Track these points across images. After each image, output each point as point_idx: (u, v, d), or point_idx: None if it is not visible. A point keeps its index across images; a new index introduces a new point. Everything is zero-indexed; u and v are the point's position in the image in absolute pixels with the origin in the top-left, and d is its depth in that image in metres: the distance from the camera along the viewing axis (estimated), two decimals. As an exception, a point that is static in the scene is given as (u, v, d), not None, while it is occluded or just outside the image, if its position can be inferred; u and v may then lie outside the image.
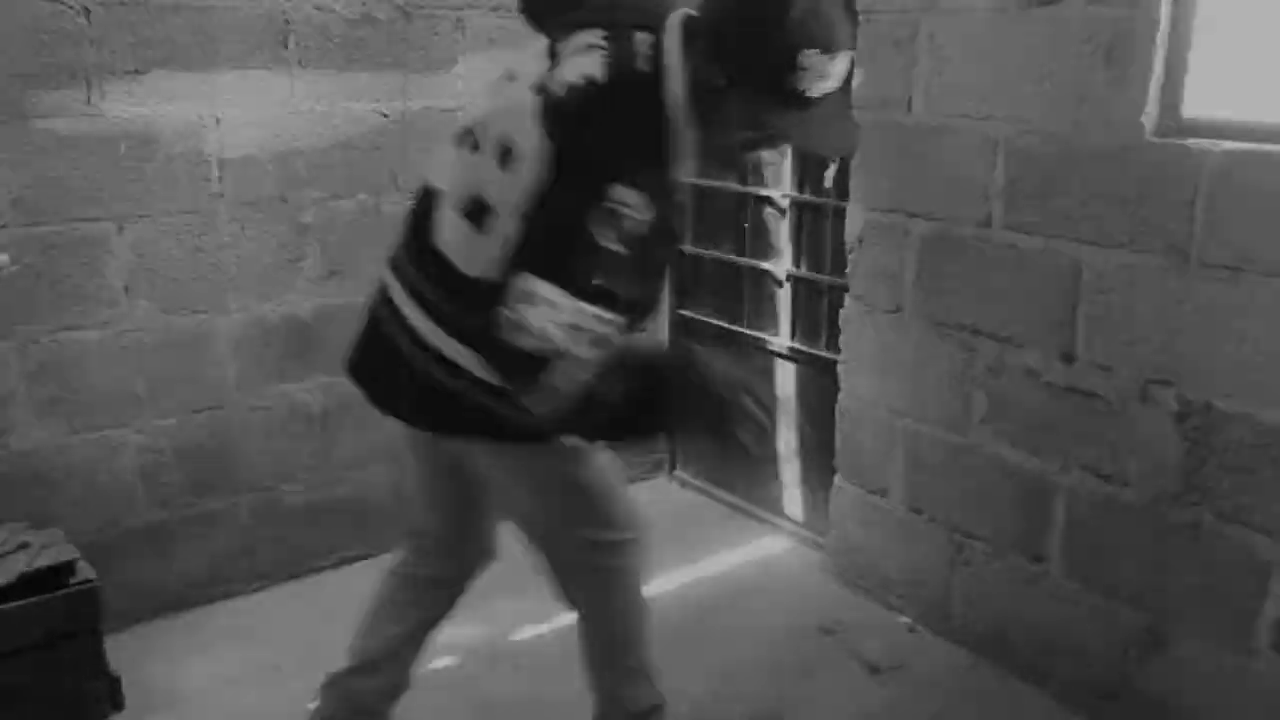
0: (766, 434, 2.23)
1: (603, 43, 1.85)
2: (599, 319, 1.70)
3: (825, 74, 1.76)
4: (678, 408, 2.04)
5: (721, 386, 2.02)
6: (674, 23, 1.86)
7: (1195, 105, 2.42)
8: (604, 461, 2.11)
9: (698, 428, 2.33)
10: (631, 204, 1.70)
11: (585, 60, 1.83)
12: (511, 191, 1.80)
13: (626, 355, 1.77)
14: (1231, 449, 2.36)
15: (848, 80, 1.84)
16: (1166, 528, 2.50)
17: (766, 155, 1.89)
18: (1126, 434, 2.55)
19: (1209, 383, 2.39)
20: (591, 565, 2.16)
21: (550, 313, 1.67)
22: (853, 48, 1.84)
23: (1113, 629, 2.65)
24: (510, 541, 3.14)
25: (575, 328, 1.68)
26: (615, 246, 1.70)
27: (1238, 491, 2.37)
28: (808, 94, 1.77)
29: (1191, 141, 2.37)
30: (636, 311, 1.85)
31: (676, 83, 1.81)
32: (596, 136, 1.78)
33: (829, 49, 1.75)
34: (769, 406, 2.16)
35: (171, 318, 2.99)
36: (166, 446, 3.04)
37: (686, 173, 1.90)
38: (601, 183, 1.70)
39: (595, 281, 1.71)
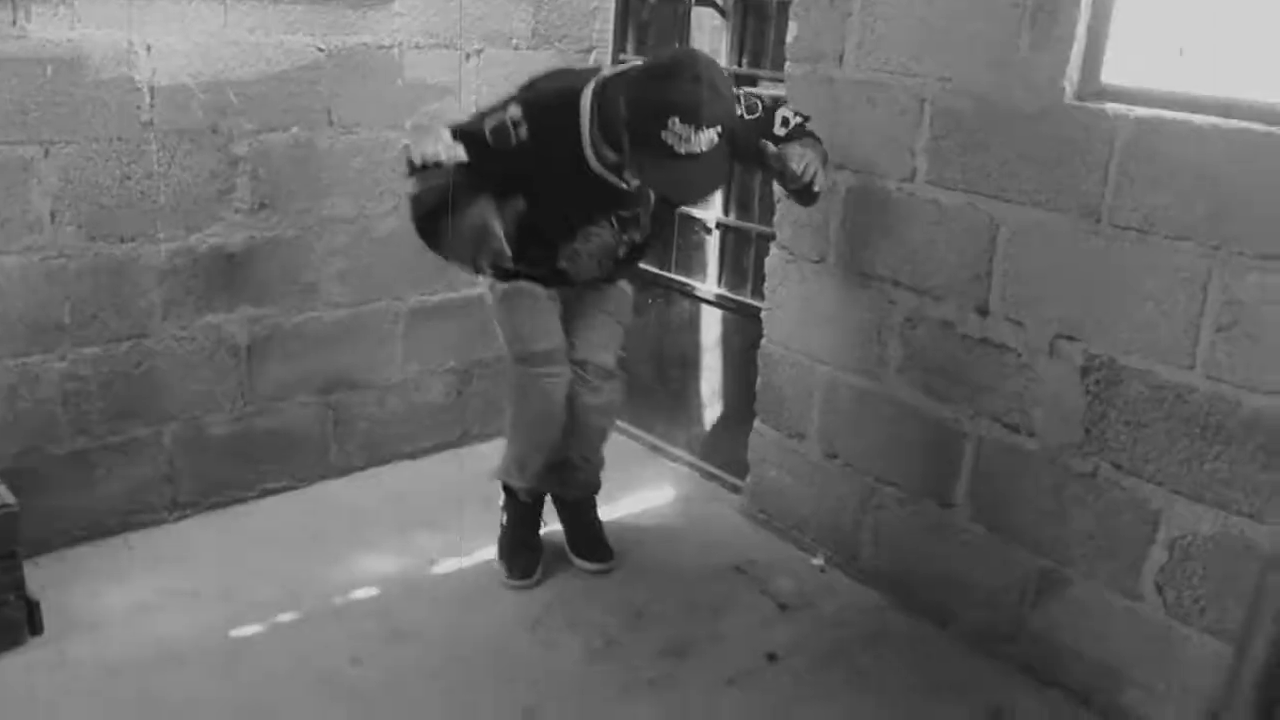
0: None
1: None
2: None
3: (688, 138, 2.38)
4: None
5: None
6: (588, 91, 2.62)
7: (1114, 73, 2.49)
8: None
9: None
10: None
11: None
12: None
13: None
14: (1130, 403, 2.47)
15: (720, 148, 2.43)
16: (1067, 476, 2.61)
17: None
18: (1034, 386, 2.65)
19: (1113, 339, 2.49)
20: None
21: None
22: (720, 124, 2.42)
23: (1013, 572, 2.76)
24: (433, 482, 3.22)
25: None
26: None
27: (1133, 443, 2.48)
28: (675, 150, 2.39)
29: (1109, 106, 2.44)
30: None
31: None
32: None
33: (693, 121, 2.36)
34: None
35: (98, 245, 2.96)
36: (90, 374, 3.02)
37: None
38: None
39: None
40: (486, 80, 3.53)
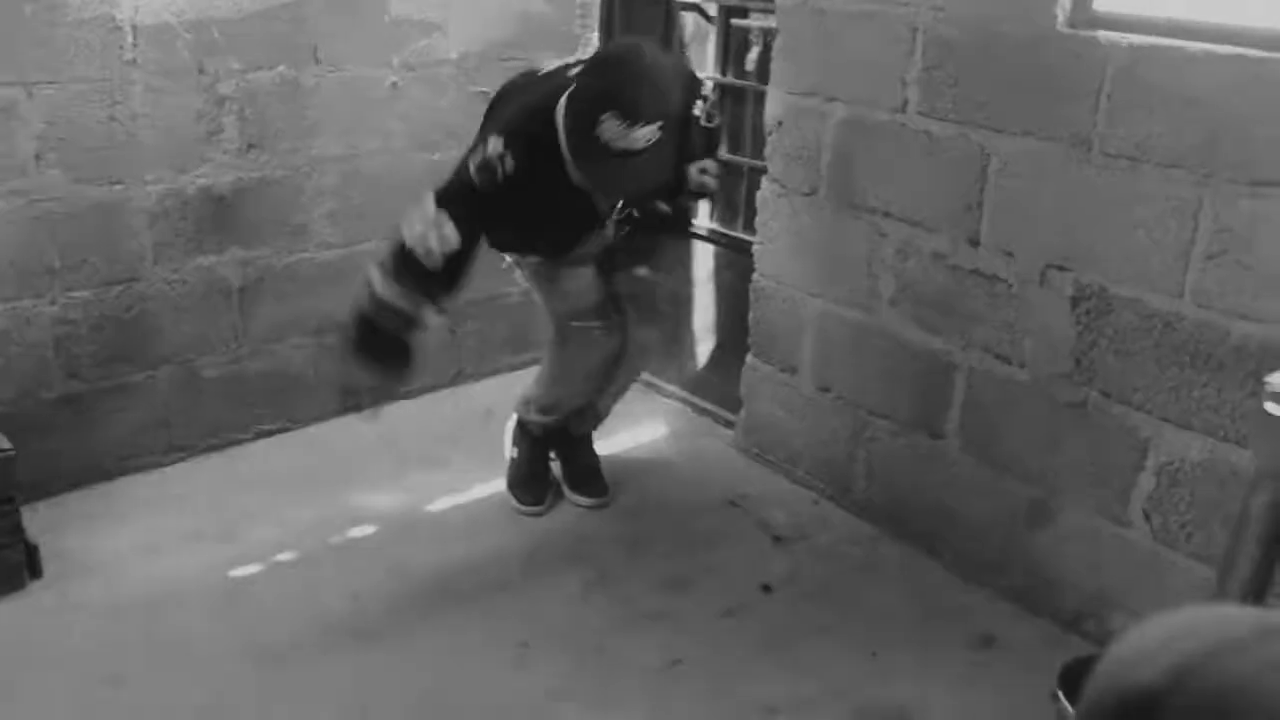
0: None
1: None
2: None
3: (624, 136, 2.30)
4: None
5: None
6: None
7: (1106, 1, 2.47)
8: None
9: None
10: None
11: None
12: None
13: None
14: (1119, 332, 2.48)
15: (661, 144, 2.37)
16: (1057, 406, 2.63)
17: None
18: (1024, 316, 2.65)
19: (1103, 268, 2.49)
20: None
21: None
22: (660, 120, 2.35)
23: (1004, 502, 2.78)
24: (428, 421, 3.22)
25: None
26: None
27: (1122, 372, 2.49)
28: (611, 148, 2.33)
29: (1101, 34, 2.42)
30: None
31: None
32: None
33: (628, 117, 2.29)
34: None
35: (85, 188, 2.94)
36: (81, 318, 3.02)
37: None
38: None
39: None
40: (474, 16, 3.49)
